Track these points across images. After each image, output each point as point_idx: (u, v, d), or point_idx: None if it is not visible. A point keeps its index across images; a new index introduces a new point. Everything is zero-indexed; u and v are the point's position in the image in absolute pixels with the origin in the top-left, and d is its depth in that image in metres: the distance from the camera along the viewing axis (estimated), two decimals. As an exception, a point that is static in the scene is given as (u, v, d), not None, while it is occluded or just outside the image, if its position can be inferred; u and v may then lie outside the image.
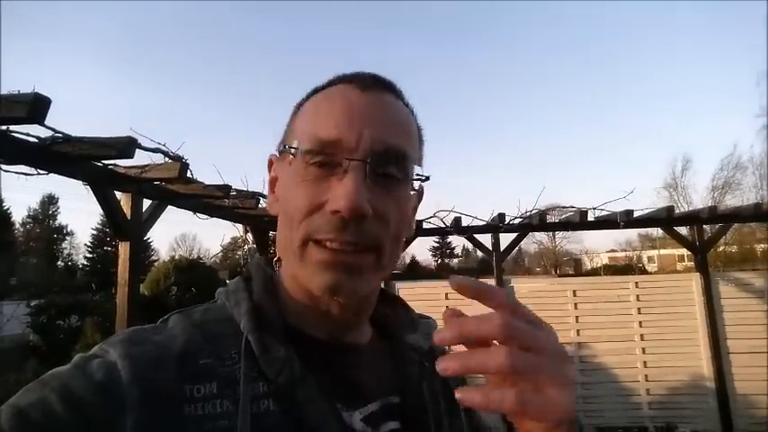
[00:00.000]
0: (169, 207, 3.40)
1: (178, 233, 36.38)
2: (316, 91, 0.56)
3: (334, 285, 0.47)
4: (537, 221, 4.98)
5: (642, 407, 4.82)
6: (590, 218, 4.93)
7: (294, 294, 0.54)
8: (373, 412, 0.52)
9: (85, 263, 32.76)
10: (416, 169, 0.52)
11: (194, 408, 0.43)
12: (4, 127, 2.02)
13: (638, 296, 5.05)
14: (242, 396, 0.44)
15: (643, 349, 4.93)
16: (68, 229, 35.85)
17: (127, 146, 2.35)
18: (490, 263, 5.37)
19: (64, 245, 35.55)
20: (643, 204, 6.15)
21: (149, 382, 0.42)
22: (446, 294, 5.15)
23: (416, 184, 0.55)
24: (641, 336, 4.96)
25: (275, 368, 0.47)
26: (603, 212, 4.86)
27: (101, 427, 0.39)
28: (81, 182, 2.68)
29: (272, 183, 0.57)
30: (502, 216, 5.02)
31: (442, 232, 5.22)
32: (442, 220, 5.00)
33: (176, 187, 3.19)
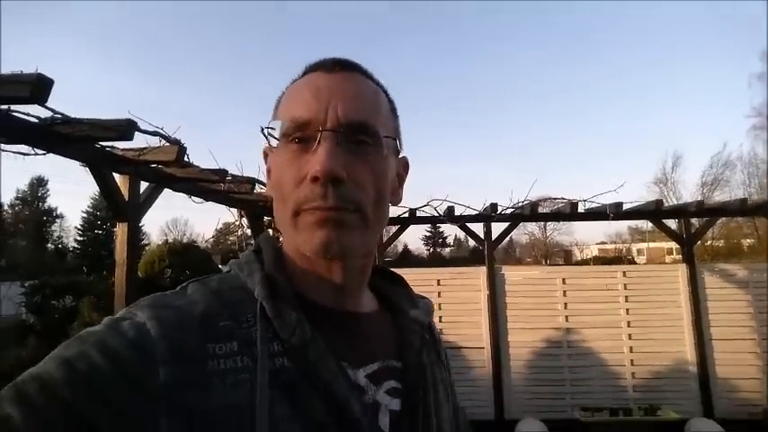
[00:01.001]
0: (165, 191, 3.42)
1: (169, 218, 36.10)
2: (299, 77, 0.62)
3: (326, 242, 0.51)
4: (528, 212, 5.06)
5: (627, 389, 4.98)
6: (580, 209, 5.02)
7: (298, 264, 0.59)
8: (375, 371, 0.57)
9: (76, 246, 32.48)
10: (388, 137, 0.57)
11: (217, 363, 0.46)
12: (5, 106, 2.03)
13: (625, 285, 5.18)
14: (260, 353, 0.48)
15: (629, 335, 5.08)
16: (58, 212, 35.45)
17: (126, 128, 2.36)
18: (482, 252, 5.45)
19: (54, 227, 35.15)
20: (633, 198, 6.31)
21: (176, 340, 0.46)
22: (438, 281, 5.28)
23: (397, 153, 0.62)
24: (628, 323, 5.10)
25: (288, 330, 0.51)
26: (593, 204, 4.94)
27: (136, 379, 0.42)
28: (79, 163, 2.70)
29: (269, 172, 0.62)
30: (494, 206, 5.10)
31: (435, 221, 5.33)
32: (435, 209, 5.09)
33: (173, 171, 3.21)
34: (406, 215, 5.28)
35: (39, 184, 34.39)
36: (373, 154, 0.55)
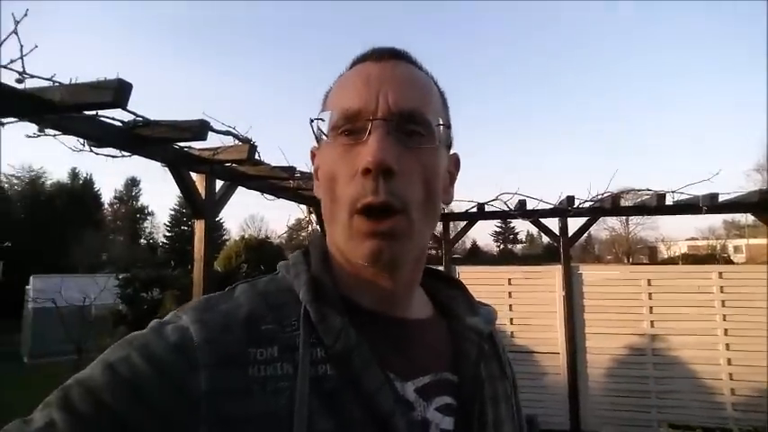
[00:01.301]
0: (239, 188, 3.55)
1: (247, 214, 38.17)
2: (345, 71, 0.59)
3: (376, 252, 0.49)
4: (609, 205, 4.66)
5: (725, 407, 4.44)
6: (668, 202, 4.51)
7: (344, 265, 0.56)
8: (426, 384, 0.53)
9: (165, 241, 35.45)
10: (440, 125, 0.54)
11: (258, 369, 0.45)
12: (93, 112, 2.17)
13: (721, 288, 4.61)
14: (301, 359, 0.46)
15: (727, 345, 4.52)
16: (149, 210, 38.80)
17: (200, 128, 2.45)
18: (556, 249, 5.13)
19: (145, 224, 38.54)
20: (730, 188, 5.61)
21: (218, 344, 0.45)
22: (509, 280, 5.04)
23: (448, 147, 0.60)
24: (725, 331, 4.54)
25: (332, 336, 0.49)
26: (684, 196, 4.42)
27: (177, 383, 0.42)
28: (160, 163, 2.86)
29: (316, 171, 0.60)
30: (570, 199, 4.71)
31: (505, 216, 5.03)
32: (505, 203, 4.78)
33: (245, 169, 3.32)
34: (474, 210, 5.01)
35: (132, 184, 37.84)
36: (425, 145, 0.52)
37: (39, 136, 2.13)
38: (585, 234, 5.47)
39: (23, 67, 1.83)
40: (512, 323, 4.95)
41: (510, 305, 4.98)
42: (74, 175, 33.15)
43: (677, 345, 4.65)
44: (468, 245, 40.47)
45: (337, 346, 0.48)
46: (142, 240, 36.51)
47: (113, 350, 0.45)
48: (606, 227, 33.98)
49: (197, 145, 2.88)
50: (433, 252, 6.68)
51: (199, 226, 3.16)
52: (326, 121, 0.54)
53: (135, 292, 10.44)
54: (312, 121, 0.55)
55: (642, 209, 5.01)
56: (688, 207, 4.61)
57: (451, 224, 5.76)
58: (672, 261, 22.43)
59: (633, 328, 4.75)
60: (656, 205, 4.56)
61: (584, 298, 4.89)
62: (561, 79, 64.10)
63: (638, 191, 4.79)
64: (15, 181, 30.55)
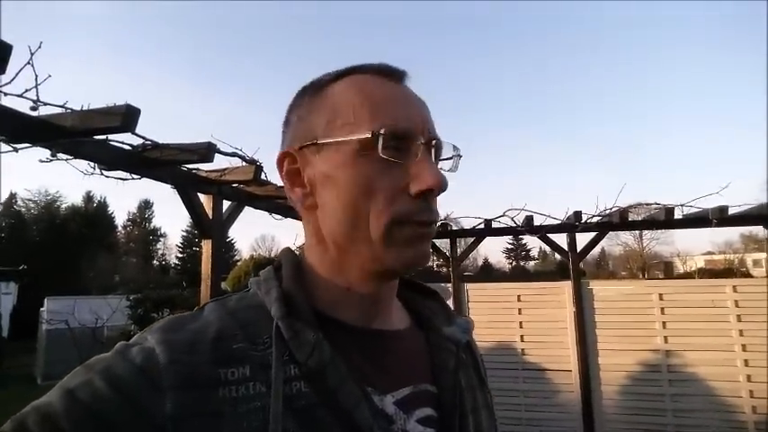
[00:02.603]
0: (247, 208, 3.60)
1: (258, 234, 38.44)
2: (338, 77, 0.57)
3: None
4: (617, 220, 4.60)
5: (747, 426, 4.27)
6: (677, 215, 4.45)
7: (322, 279, 0.55)
8: (406, 396, 0.53)
9: (177, 262, 35.75)
10: (457, 153, 0.58)
11: (229, 390, 0.44)
12: (103, 137, 2.24)
13: (736, 302, 4.48)
14: (274, 378, 0.45)
15: (746, 361, 4.35)
16: (162, 231, 39.24)
17: (207, 151, 2.51)
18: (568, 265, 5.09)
19: (158, 245, 38.96)
20: (743, 200, 5.47)
21: (185, 365, 0.44)
22: (518, 296, 4.97)
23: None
24: (743, 346, 4.39)
25: (305, 352, 0.48)
26: (693, 209, 4.37)
27: (141, 407, 0.41)
28: (168, 185, 2.92)
29: (293, 176, 0.57)
30: (578, 214, 4.67)
31: (512, 232, 4.94)
32: (512, 219, 4.76)
33: (252, 189, 3.37)
34: (482, 227, 5.00)
35: (145, 206, 38.36)
36: (449, 172, 0.56)
37: (51, 160, 2.19)
38: (598, 250, 5.45)
39: (37, 95, 1.89)
40: (522, 340, 4.86)
41: (520, 322, 4.89)
42: (88, 198, 33.86)
43: (693, 361, 4.50)
44: (480, 262, 40.19)
45: (310, 363, 0.47)
46: (155, 262, 36.87)
47: (74, 375, 0.44)
48: (620, 242, 33.67)
49: (205, 167, 2.94)
50: (444, 270, 6.60)
51: (206, 246, 3.20)
52: (335, 126, 0.52)
53: (145, 313, 10.52)
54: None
55: (651, 223, 4.90)
56: (697, 220, 4.52)
57: (462, 242, 5.75)
58: (688, 276, 22.04)
59: (646, 344, 4.61)
60: (665, 219, 4.48)
61: (595, 314, 4.79)
62: (567, 94, 64.23)
63: (647, 205, 4.72)
64: (32, 205, 31.21)
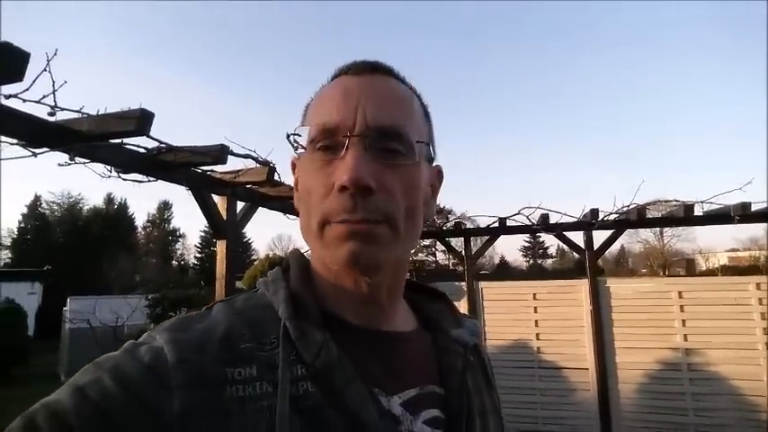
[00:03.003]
0: (261, 209, 3.65)
1: (275, 234, 38.82)
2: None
3: (352, 255, 0.48)
4: (635, 217, 4.51)
5: (770, 426, 4.18)
6: (697, 212, 4.35)
7: (325, 279, 0.55)
8: (413, 398, 0.52)
9: (195, 262, 36.31)
10: (420, 143, 0.53)
11: (236, 389, 0.44)
12: (119, 141, 2.29)
13: (760, 300, 4.35)
14: (281, 378, 0.45)
15: None
16: (181, 232, 39.91)
17: (220, 153, 2.55)
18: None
19: (177, 246, 39.62)
20: (765, 197, 5.20)
21: (193, 365, 0.44)
22: (534, 295, 4.92)
23: (430, 161, 0.59)
24: (767, 344, 4.27)
25: (312, 352, 0.48)
26: (714, 206, 4.27)
27: (149, 405, 0.41)
28: (184, 187, 2.97)
29: (296, 183, 0.59)
30: (594, 212, 4.58)
31: (528, 230, 4.94)
32: (527, 217, 4.72)
33: (265, 190, 3.41)
34: (496, 225, 4.97)
35: (165, 207, 39.04)
36: (404, 161, 0.51)
37: (69, 164, 2.25)
38: (618, 247, 5.37)
39: (55, 101, 1.93)
40: (538, 338, 4.84)
41: (536, 321, 4.88)
42: (109, 200, 34.63)
43: (714, 359, 4.39)
44: (497, 260, 39.83)
45: (317, 363, 0.47)
46: (174, 262, 37.50)
47: (83, 373, 0.44)
48: (639, 240, 32.85)
49: (219, 168, 2.99)
50: (459, 268, 6.59)
51: (220, 246, 3.26)
52: (304, 136, 0.53)
53: (163, 312, 10.73)
54: (288, 136, 0.54)
55: (670, 220, 4.81)
56: (718, 217, 4.40)
57: (478, 240, 5.73)
58: (711, 273, 21.50)
59: (665, 342, 4.53)
60: (685, 216, 4.38)
61: (612, 312, 4.71)
62: (584, 86, 63.32)
63: (666, 202, 4.64)
64: (55, 207, 32.08)
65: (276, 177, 3.08)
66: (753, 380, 4.25)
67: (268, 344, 0.48)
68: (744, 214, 4.15)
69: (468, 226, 5.40)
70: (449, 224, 5.48)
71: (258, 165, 3.00)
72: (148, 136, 2.17)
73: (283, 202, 3.78)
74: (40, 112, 1.98)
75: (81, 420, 0.39)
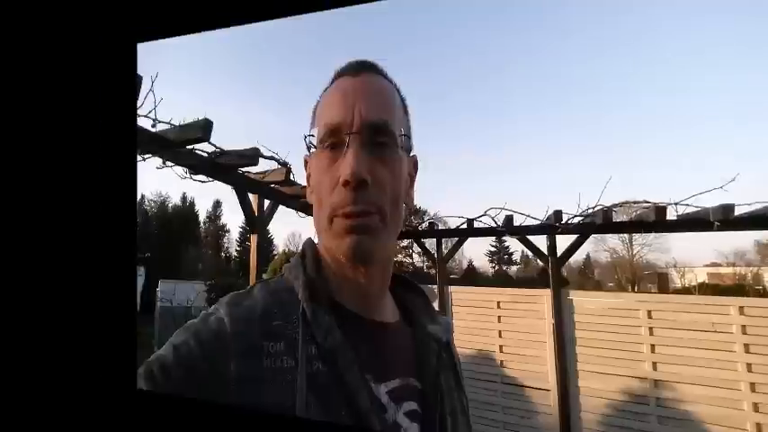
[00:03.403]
0: (281, 207, 3.82)
1: (288, 232, 41.54)
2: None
3: (355, 246, 0.54)
4: (600, 221, 3.92)
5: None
6: (671, 215, 3.64)
7: (331, 267, 0.61)
8: (396, 388, 0.57)
9: (235, 254, 40.48)
10: (402, 135, 0.59)
11: (270, 361, 0.51)
12: (191, 147, 2.60)
13: (743, 327, 3.43)
14: (300, 356, 0.52)
15: (755, 405, 3.30)
16: (227, 227, 44.78)
17: (253, 155, 2.86)
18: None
19: (225, 239, 44.16)
20: (752, 198, 3.39)
21: (244, 336, 0.53)
22: (498, 303, 4.60)
23: (408, 151, 0.64)
24: (752, 385, 3.33)
25: (322, 333, 0.54)
26: (691, 209, 3.57)
27: (216, 363, 0.51)
28: (229, 186, 3.21)
29: (308, 178, 0.65)
30: (558, 214, 4.12)
31: (492, 232, 4.56)
32: (493, 218, 4.36)
33: (284, 189, 3.63)
34: (464, 226, 4.61)
35: (217, 205, 43.72)
36: (392, 154, 0.58)
37: (162, 167, 2.61)
38: (583, 256, 4.54)
39: (155, 115, 2.24)
40: (501, 351, 4.45)
41: (500, 331, 4.49)
42: (183, 198, 39.94)
43: (687, 396, 3.56)
44: (465, 265, 36.02)
45: (326, 345, 0.53)
46: (222, 253, 42.07)
47: (178, 334, 0.54)
48: (606, 248, 28.51)
49: (254, 169, 3.26)
50: (432, 271, 6.13)
51: (253, 240, 3.53)
52: (315, 136, 0.58)
53: (217, 297, 12.39)
54: (305, 137, 0.60)
55: (640, 224, 4.04)
56: (695, 222, 3.66)
57: (448, 242, 5.39)
58: (687, 291, 18.48)
59: (631, 369, 3.82)
60: (656, 219, 3.67)
61: (575, 329, 4.10)
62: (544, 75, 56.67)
63: (635, 203, 3.97)
64: (152, 204, 38.07)
65: (292, 177, 3.32)
66: (734, 428, 3.35)
67: (291, 323, 0.55)
68: (725, 219, 3.36)
69: (439, 227, 5.15)
70: (423, 225, 5.28)
71: (278, 166, 3.24)
72: (209, 142, 2.49)
73: (298, 201, 3.92)
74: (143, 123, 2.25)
75: (177, 372, 0.50)
